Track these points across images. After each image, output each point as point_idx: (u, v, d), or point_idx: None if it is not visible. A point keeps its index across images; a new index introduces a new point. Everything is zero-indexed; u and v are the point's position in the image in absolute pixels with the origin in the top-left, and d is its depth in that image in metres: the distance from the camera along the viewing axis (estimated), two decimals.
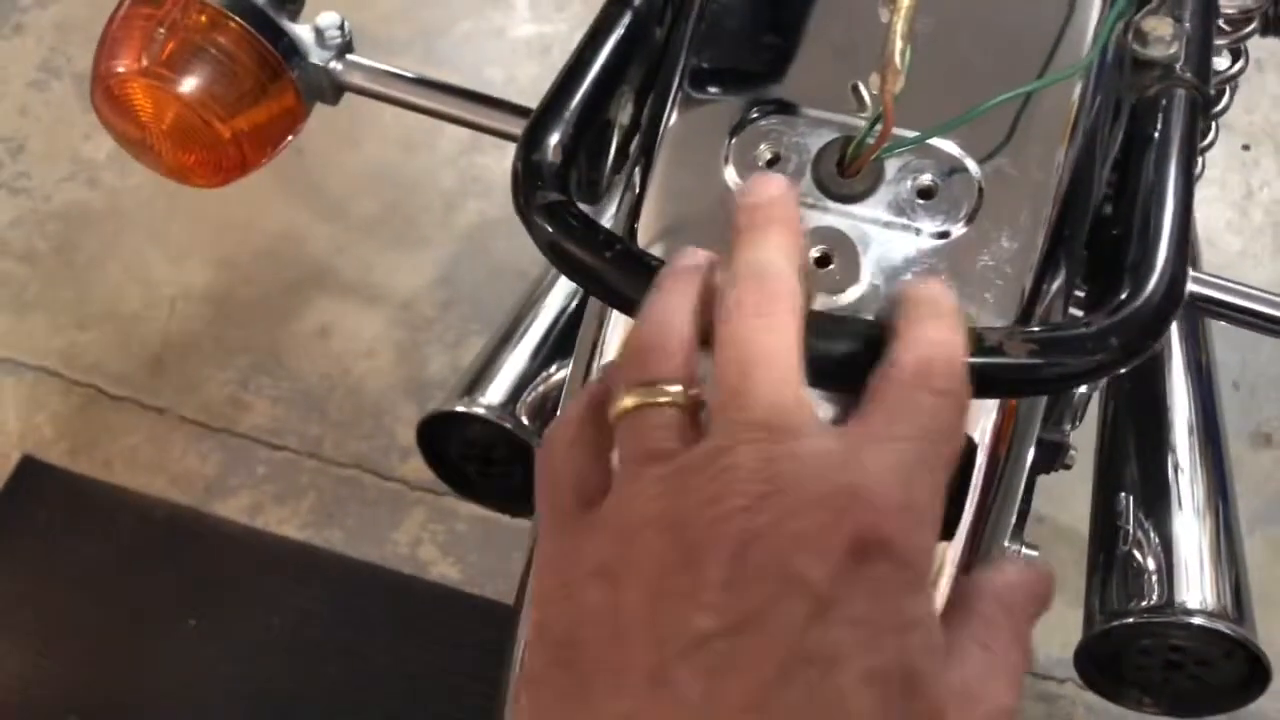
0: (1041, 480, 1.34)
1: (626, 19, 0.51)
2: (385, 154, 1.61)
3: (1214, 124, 0.71)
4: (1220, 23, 0.67)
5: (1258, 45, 1.69)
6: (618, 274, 0.41)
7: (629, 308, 0.41)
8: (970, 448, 0.43)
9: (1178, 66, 0.49)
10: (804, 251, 0.39)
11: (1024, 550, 0.92)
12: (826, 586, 0.30)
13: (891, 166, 0.44)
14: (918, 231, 0.43)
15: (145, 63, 0.48)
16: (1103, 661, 0.87)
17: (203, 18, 0.49)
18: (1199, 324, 1.04)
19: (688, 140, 0.46)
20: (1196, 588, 0.84)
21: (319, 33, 0.53)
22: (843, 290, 0.43)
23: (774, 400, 0.33)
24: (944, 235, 0.43)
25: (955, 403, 0.34)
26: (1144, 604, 0.84)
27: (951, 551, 0.44)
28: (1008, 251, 0.43)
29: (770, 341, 0.34)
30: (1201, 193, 1.59)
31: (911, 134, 0.43)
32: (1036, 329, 0.41)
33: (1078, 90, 0.46)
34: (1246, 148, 1.62)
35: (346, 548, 1.32)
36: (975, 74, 0.45)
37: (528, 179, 0.44)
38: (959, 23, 0.47)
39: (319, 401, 1.42)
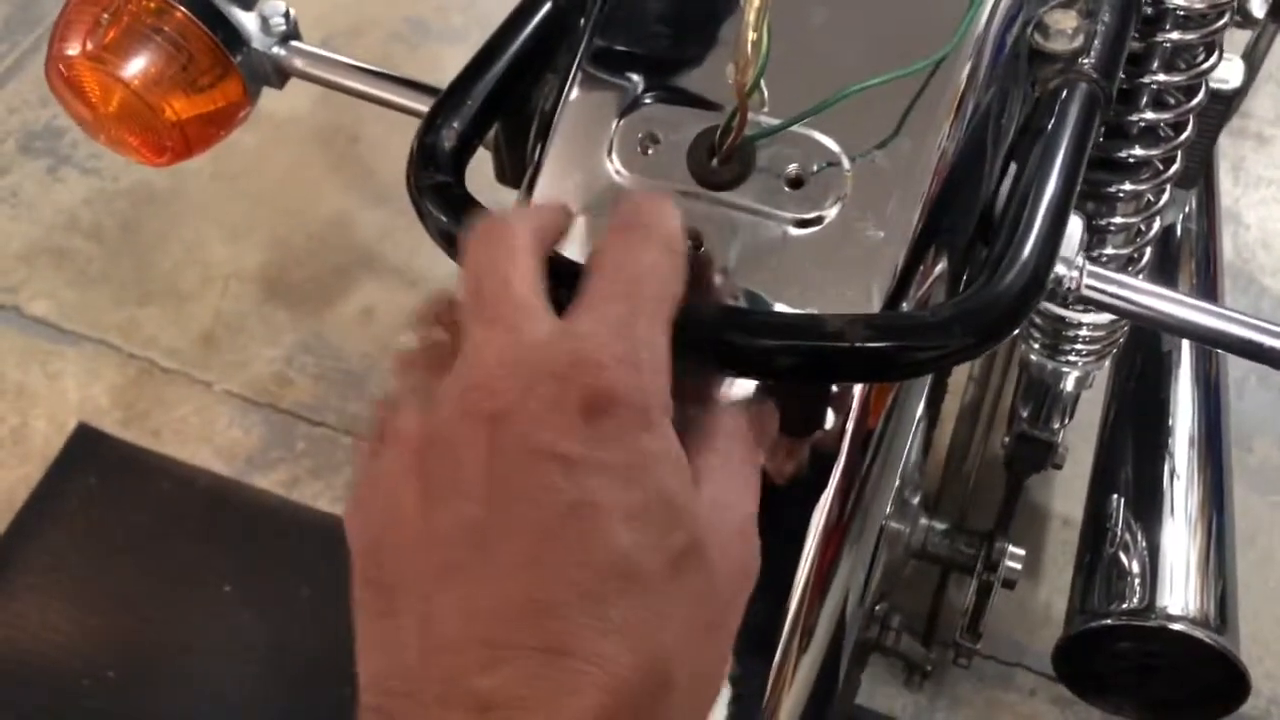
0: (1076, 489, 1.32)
1: (546, 6, 0.52)
2: None
3: (1187, 126, 0.70)
4: (1194, 15, 0.66)
5: None
6: None
7: None
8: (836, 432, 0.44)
9: (1081, 61, 0.48)
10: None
11: (1010, 549, 0.92)
12: (569, 446, 0.33)
13: (764, 155, 0.45)
14: (785, 219, 0.44)
15: (90, 47, 0.51)
16: (1082, 661, 0.86)
17: (149, 3, 0.52)
18: None
19: (580, 122, 0.47)
20: (1180, 594, 0.83)
21: (264, 20, 0.56)
22: (709, 278, 0.44)
23: (504, 299, 0.36)
24: (811, 223, 0.44)
25: (661, 252, 0.37)
26: (1125, 606, 0.83)
27: (817, 516, 0.46)
28: (874, 240, 0.44)
29: (498, 253, 0.38)
30: (1259, 194, 1.55)
31: (775, 122, 0.44)
32: (880, 315, 0.42)
33: (962, 81, 0.46)
34: None
35: None
36: (859, 64, 0.45)
37: (420, 161, 0.46)
38: (851, 12, 0.48)
39: (359, 380, 1.47)
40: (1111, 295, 0.48)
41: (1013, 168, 0.48)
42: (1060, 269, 0.47)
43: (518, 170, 0.55)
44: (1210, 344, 0.47)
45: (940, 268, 0.46)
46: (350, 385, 1.46)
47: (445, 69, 0.54)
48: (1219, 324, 0.47)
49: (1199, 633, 0.80)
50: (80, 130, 1.69)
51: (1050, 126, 0.47)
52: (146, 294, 1.54)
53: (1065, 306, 0.76)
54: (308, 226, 1.59)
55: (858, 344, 0.39)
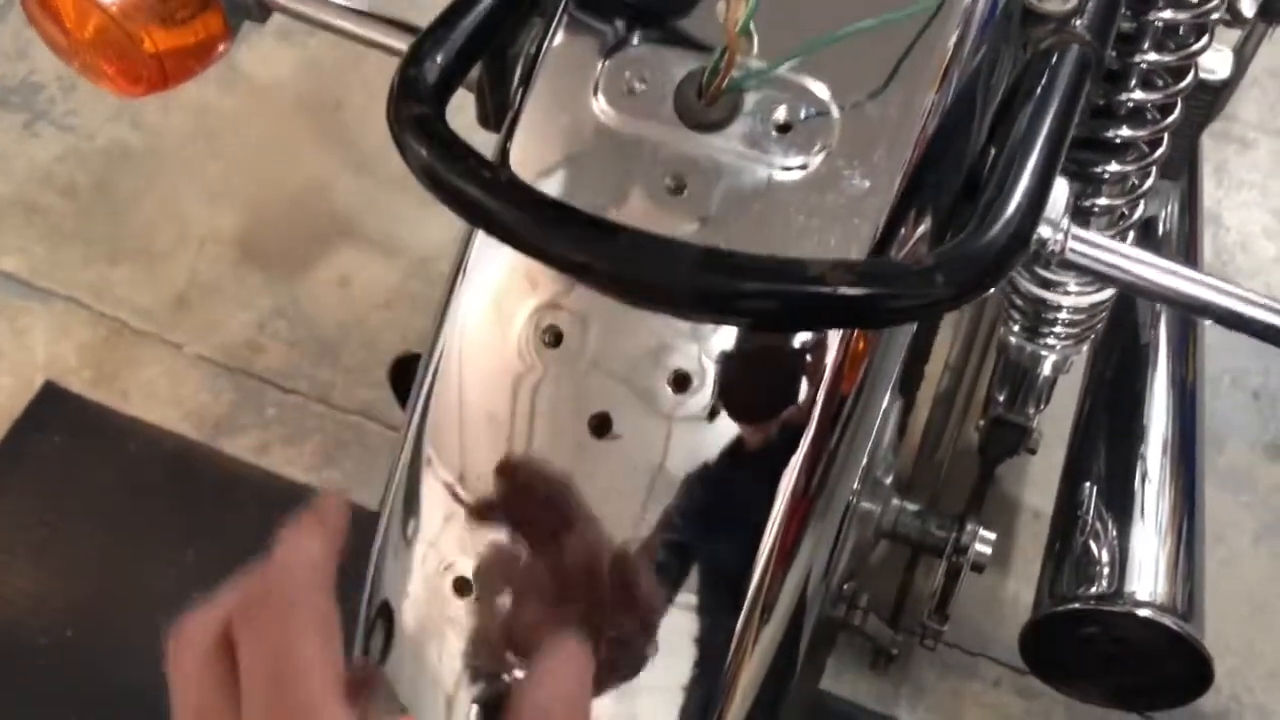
0: None
1: None
2: None
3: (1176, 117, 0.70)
4: None
5: None
6: (467, 186, 0.42)
7: (474, 219, 0.42)
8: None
9: (1074, 22, 0.48)
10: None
11: (981, 533, 0.92)
12: None
13: (751, 99, 0.44)
14: (770, 164, 0.43)
15: None
16: (1048, 647, 0.86)
17: None
18: (1190, 331, 1.01)
19: (564, 62, 0.47)
20: (1149, 582, 0.83)
21: None
22: (692, 220, 0.43)
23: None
24: (796, 169, 0.43)
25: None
26: (1093, 591, 0.83)
27: (786, 481, 0.45)
28: (860, 190, 0.43)
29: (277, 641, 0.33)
30: (1240, 196, 1.55)
31: (763, 64, 0.43)
32: (864, 261, 0.41)
33: (954, 36, 0.46)
34: None
35: (344, 492, 1.35)
36: (850, 10, 0.45)
37: (401, 92, 0.45)
38: None
39: (332, 348, 1.45)
40: (1096, 260, 0.47)
41: (1001, 127, 0.47)
42: (1045, 230, 0.47)
43: (500, 113, 0.54)
44: (1194, 312, 0.47)
45: (925, 221, 0.45)
46: (323, 353, 1.45)
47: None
48: (1203, 292, 0.46)
49: (1165, 619, 0.80)
50: (57, 85, 1.65)
51: (1041, 87, 0.46)
52: (119, 253, 1.52)
53: (1047, 286, 0.76)
54: (286, 192, 1.57)
55: (840, 289, 0.38)
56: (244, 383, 1.43)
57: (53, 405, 1.40)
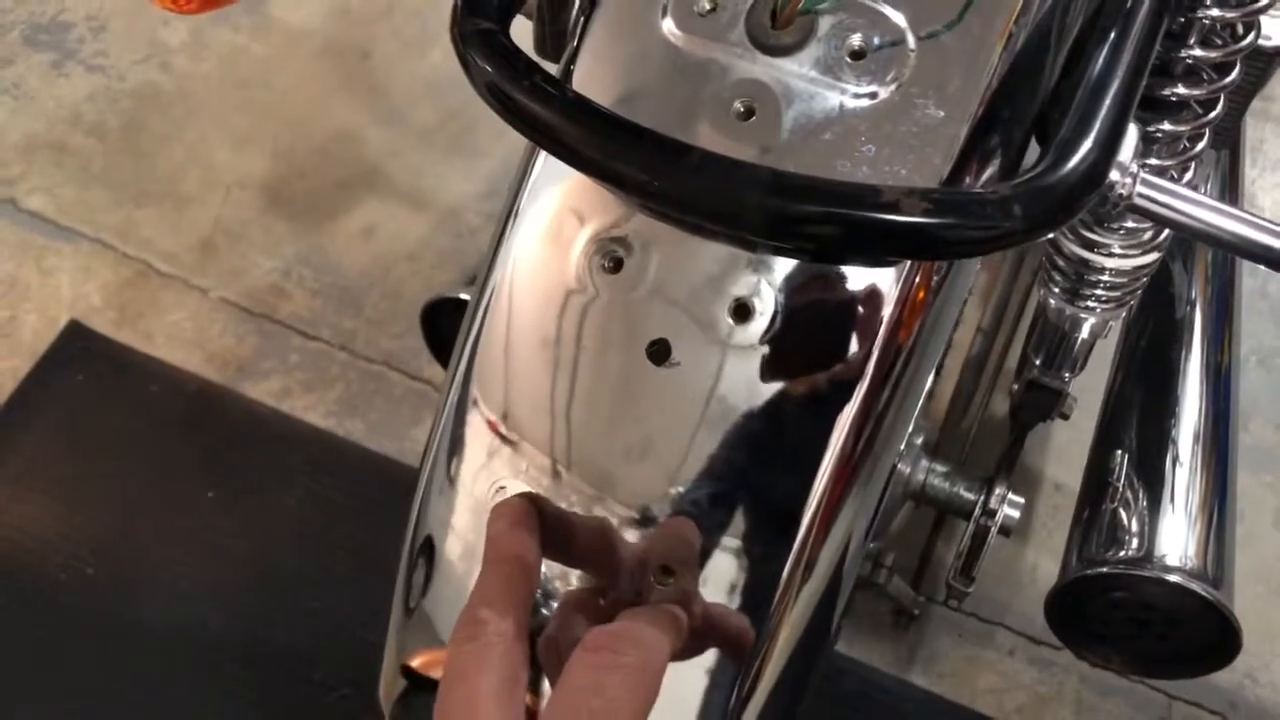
0: None
1: None
2: (450, 64, 1.61)
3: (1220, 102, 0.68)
4: None
5: None
6: (531, 102, 0.41)
7: (537, 136, 0.41)
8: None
9: None
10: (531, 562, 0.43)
11: (1010, 497, 0.91)
12: None
13: (825, 23, 0.43)
14: (843, 91, 0.43)
15: None
16: (1074, 611, 0.86)
17: None
18: (1228, 304, 1.01)
19: None
20: (1179, 548, 0.82)
21: None
22: (761, 145, 0.42)
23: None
24: (869, 97, 0.43)
25: (631, 675, 0.37)
26: (1122, 555, 0.83)
27: (841, 422, 0.44)
28: (933, 120, 0.42)
29: (469, 667, 0.38)
30: (1275, 177, 1.54)
31: None
32: (938, 190, 0.40)
33: None
34: None
35: (366, 440, 1.35)
36: None
37: (466, 8, 0.44)
38: None
39: (357, 298, 1.45)
40: (1164, 205, 0.47)
41: (1076, 64, 0.46)
42: (1114, 173, 0.46)
43: (559, 40, 0.53)
44: (1270, 265, 0.46)
45: (997, 156, 0.44)
46: (347, 302, 1.45)
47: None
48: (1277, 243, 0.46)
49: (1195, 585, 0.79)
50: (86, 26, 1.64)
51: (1118, 24, 0.45)
52: (146, 195, 1.52)
53: (1091, 248, 0.75)
54: (313, 139, 1.57)
55: (915, 216, 0.38)
56: (267, 328, 1.43)
57: (77, 344, 1.40)
